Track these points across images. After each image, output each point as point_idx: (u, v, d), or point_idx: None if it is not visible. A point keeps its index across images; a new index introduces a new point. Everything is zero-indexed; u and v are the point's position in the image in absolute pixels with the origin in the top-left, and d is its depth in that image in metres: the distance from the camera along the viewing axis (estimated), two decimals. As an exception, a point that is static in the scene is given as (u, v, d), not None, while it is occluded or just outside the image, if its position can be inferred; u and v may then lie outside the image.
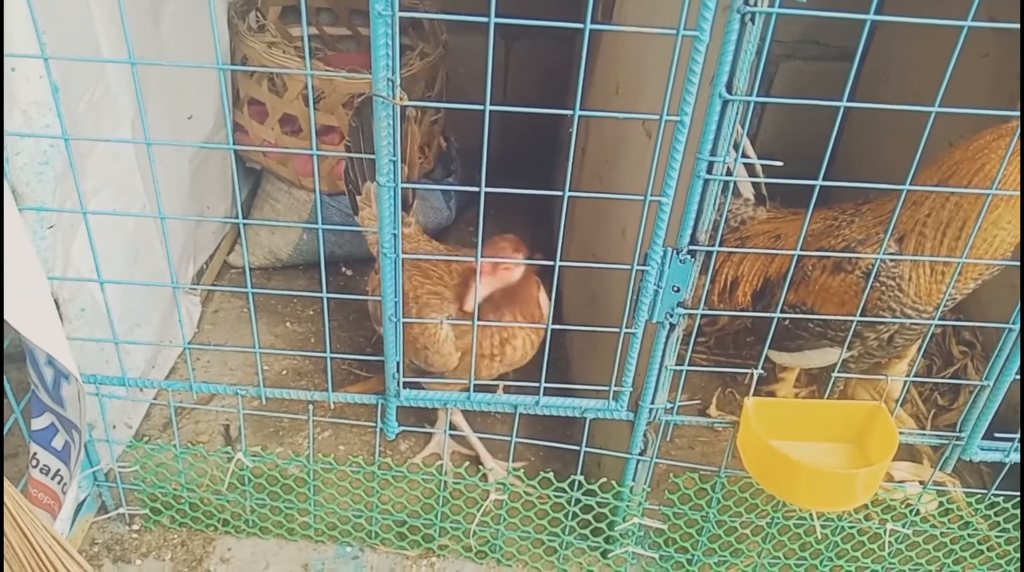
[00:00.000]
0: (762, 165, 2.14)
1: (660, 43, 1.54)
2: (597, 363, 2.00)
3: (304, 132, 2.59)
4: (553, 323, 1.66)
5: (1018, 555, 1.91)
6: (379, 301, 1.50)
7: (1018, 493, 1.79)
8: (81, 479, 1.85)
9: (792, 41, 3.09)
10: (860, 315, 1.82)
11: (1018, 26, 1.27)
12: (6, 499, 1.29)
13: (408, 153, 2.05)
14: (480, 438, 2.17)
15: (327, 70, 2.56)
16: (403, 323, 1.52)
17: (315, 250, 2.76)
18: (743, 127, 1.28)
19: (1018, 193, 1.66)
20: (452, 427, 2.09)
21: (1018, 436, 1.65)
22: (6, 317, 1.30)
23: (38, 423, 1.58)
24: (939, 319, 1.66)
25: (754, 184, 2.21)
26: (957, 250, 1.74)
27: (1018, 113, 1.63)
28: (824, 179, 1.32)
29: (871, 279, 1.64)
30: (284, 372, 2.45)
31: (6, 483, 1.32)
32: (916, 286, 1.80)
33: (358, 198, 2.12)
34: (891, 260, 1.80)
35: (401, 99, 1.18)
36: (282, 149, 2.34)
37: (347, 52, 2.99)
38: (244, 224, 1.49)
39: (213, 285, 2.71)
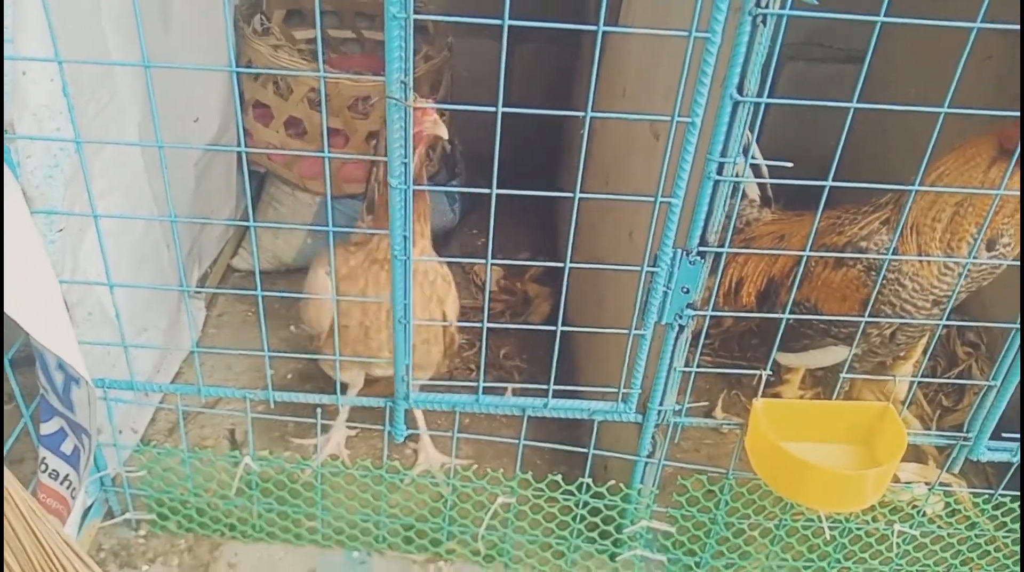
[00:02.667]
0: (768, 167, 2.14)
1: (669, 46, 1.55)
2: (605, 365, 2.00)
3: (309, 135, 2.59)
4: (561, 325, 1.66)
5: (1026, 556, 1.91)
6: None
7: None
8: (88, 484, 1.85)
9: (796, 43, 3.10)
10: (862, 309, 1.84)
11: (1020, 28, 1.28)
12: (19, 504, 1.29)
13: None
14: (486, 442, 2.17)
15: (334, 72, 2.56)
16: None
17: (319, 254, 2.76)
18: (753, 130, 1.29)
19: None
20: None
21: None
22: (18, 321, 1.30)
23: (47, 428, 1.58)
24: (944, 319, 1.67)
25: (760, 186, 2.22)
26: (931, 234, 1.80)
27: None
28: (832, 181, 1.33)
29: (880, 273, 1.65)
30: (289, 376, 2.45)
31: (19, 488, 1.31)
32: (914, 280, 1.82)
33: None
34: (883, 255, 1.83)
35: (414, 101, 1.18)
36: (291, 151, 2.34)
37: (351, 55, 2.99)
38: (254, 227, 1.49)
39: (218, 288, 2.71)
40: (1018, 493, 1.79)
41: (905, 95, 2.72)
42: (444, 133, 1.61)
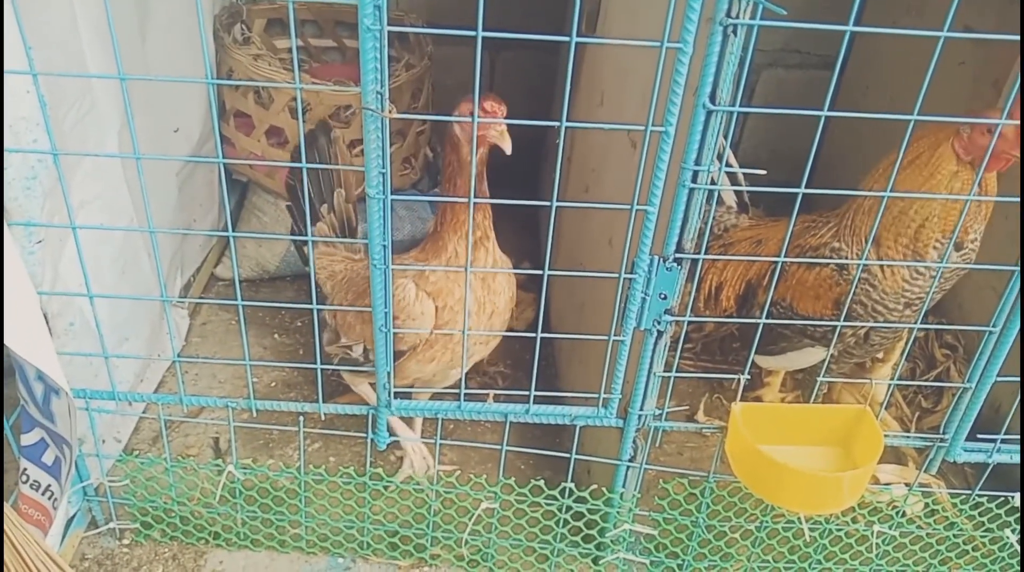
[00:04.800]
0: (744, 174, 2.17)
1: (644, 55, 1.56)
2: (586, 371, 2.02)
3: (290, 144, 2.59)
4: (541, 332, 1.67)
5: (1003, 555, 1.93)
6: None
7: (1002, 493, 1.81)
8: (71, 494, 1.84)
9: (773, 50, 3.13)
10: (835, 308, 1.86)
11: (992, 36, 1.30)
12: (-2, 515, 1.29)
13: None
14: (470, 447, 2.18)
15: (314, 82, 2.57)
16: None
17: (301, 262, 2.77)
18: (727, 137, 1.30)
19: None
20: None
21: (1000, 436, 1.68)
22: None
23: (28, 438, 1.58)
24: (921, 322, 1.69)
25: (736, 192, 2.24)
26: (895, 246, 1.83)
27: (996, 121, 1.67)
28: (806, 186, 1.35)
29: (855, 277, 1.67)
30: (273, 384, 2.45)
31: (-3, 499, 1.31)
32: (883, 282, 1.85)
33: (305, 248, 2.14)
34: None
35: (390, 112, 1.19)
36: (271, 162, 2.35)
37: (332, 64, 3.00)
38: (233, 237, 1.50)
39: (201, 298, 2.71)
40: (996, 493, 1.81)
41: (882, 99, 2.75)
42: (508, 147, 1.61)
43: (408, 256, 1.84)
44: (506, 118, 1.55)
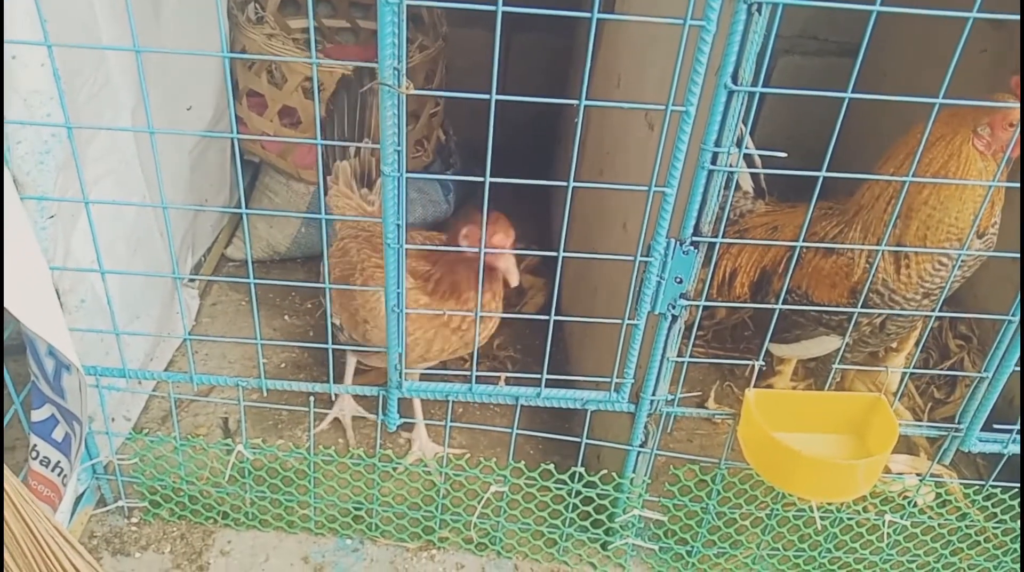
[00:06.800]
0: (762, 158, 2.15)
1: (664, 34, 1.54)
2: (597, 355, 2.01)
3: (303, 124, 2.58)
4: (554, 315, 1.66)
5: (1015, 546, 1.92)
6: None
7: (1015, 484, 1.80)
8: (80, 472, 1.84)
9: (791, 36, 3.10)
10: (851, 296, 1.84)
11: (1017, 18, 1.28)
12: (8, 490, 1.29)
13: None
14: (479, 431, 2.17)
15: (327, 59, 2.56)
16: (345, 293, 1.50)
17: (312, 243, 2.76)
18: (747, 121, 1.29)
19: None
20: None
21: (1017, 427, 1.66)
22: (8, 307, 1.30)
23: (38, 415, 1.58)
24: (936, 311, 1.68)
25: (753, 177, 2.22)
26: (905, 236, 1.82)
27: (1017, 105, 1.65)
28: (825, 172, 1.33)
29: (874, 267, 1.66)
30: (283, 365, 2.45)
31: (8, 474, 1.31)
32: (898, 270, 1.83)
33: (328, 178, 2.18)
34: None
35: (408, 88, 1.18)
36: (285, 139, 2.35)
37: (345, 44, 2.98)
38: (246, 214, 1.48)
39: (210, 277, 2.71)
40: (1009, 484, 1.79)
41: (899, 87, 2.71)
42: (515, 281, 1.69)
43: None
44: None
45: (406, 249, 1.43)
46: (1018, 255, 1.46)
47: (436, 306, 1.77)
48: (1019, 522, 1.85)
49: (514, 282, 1.69)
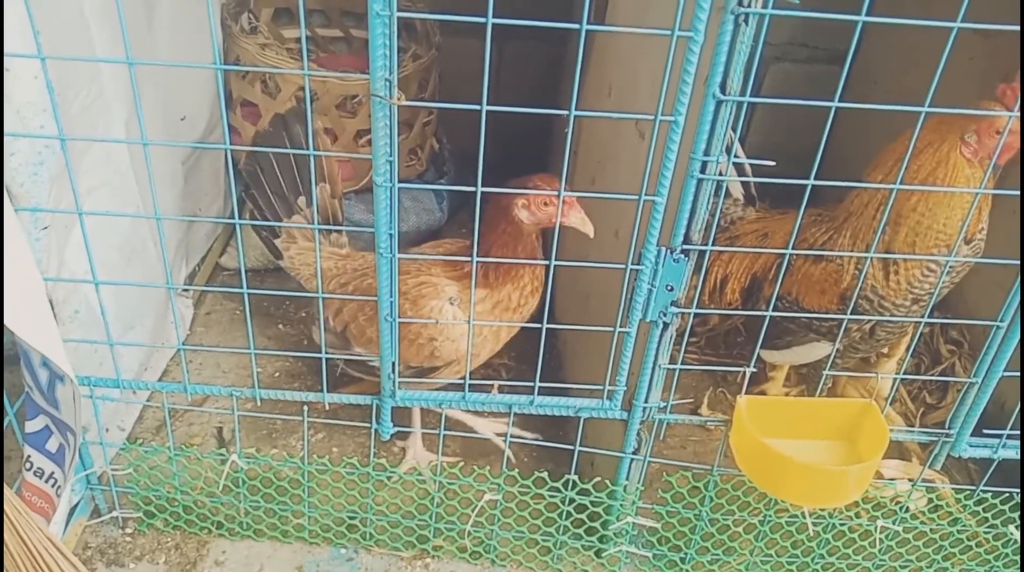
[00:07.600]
0: (752, 166, 2.16)
1: (653, 44, 1.56)
2: (590, 363, 2.01)
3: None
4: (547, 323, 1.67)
5: (1007, 551, 1.93)
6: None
7: (1007, 489, 1.81)
8: (74, 482, 1.84)
9: (781, 43, 3.12)
10: (840, 302, 1.86)
11: (1003, 28, 1.29)
12: (3, 503, 1.29)
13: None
14: (473, 439, 2.18)
15: (319, 71, 2.56)
16: (399, 324, 1.52)
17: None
18: (735, 130, 1.30)
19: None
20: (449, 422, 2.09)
21: (1007, 432, 1.67)
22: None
23: (32, 426, 1.58)
24: (926, 317, 1.69)
25: (744, 185, 2.24)
26: (894, 243, 1.82)
27: (1003, 113, 1.67)
28: (814, 180, 1.34)
29: (863, 274, 1.67)
30: (277, 374, 2.45)
31: (3, 487, 1.31)
32: (887, 277, 1.84)
33: (277, 242, 2.10)
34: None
35: (399, 99, 1.19)
36: (278, 149, 2.35)
37: (339, 54, 2.99)
38: (239, 224, 1.49)
39: (204, 286, 2.71)
40: (1000, 489, 1.80)
41: (889, 95, 2.74)
42: (591, 231, 1.73)
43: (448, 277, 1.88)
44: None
45: (436, 260, 1.41)
46: (1005, 261, 1.47)
47: (495, 295, 1.82)
48: (1014, 526, 1.86)
49: (591, 231, 1.72)
